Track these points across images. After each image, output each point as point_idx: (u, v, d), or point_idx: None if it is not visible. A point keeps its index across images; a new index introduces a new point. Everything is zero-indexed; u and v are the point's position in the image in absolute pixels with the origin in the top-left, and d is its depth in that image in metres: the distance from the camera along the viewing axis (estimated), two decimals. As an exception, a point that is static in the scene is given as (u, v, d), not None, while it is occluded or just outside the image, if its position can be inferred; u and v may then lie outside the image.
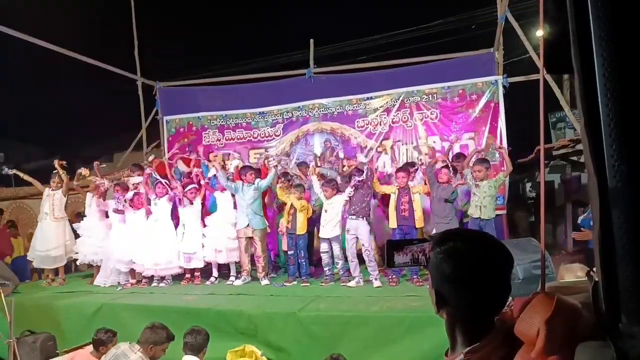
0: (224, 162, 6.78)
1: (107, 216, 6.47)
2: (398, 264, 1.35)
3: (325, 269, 5.79)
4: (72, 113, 15.03)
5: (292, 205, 5.93)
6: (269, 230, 6.21)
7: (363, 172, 5.58)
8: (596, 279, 0.91)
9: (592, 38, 0.85)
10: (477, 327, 1.13)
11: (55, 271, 6.57)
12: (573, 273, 2.51)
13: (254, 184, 5.96)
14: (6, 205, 9.08)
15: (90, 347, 4.04)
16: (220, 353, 4.14)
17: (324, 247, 5.76)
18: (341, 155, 6.83)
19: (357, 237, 5.57)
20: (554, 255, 8.33)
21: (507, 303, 1.26)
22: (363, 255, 5.51)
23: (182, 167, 7.03)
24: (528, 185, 13.89)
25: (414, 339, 4.04)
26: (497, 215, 6.06)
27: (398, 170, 5.73)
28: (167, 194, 6.22)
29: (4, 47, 7.86)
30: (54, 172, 6.52)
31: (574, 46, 0.92)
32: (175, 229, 6.23)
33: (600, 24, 0.83)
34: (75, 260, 6.57)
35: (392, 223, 5.59)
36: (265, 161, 6.60)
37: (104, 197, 6.46)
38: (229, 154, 7.95)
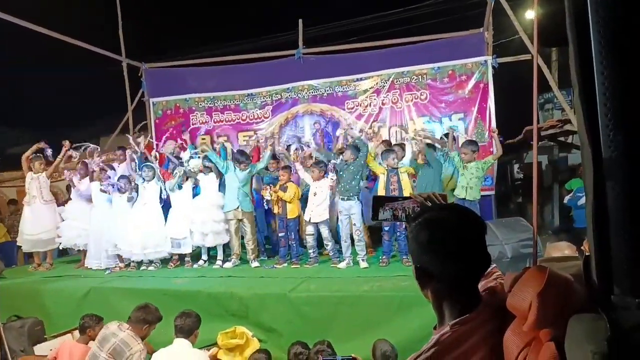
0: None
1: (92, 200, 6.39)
2: (381, 219, 1.43)
3: (309, 251, 5.80)
4: (56, 96, 14.71)
5: (281, 187, 5.90)
6: (254, 213, 6.18)
7: (358, 150, 5.58)
8: (587, 253, 0.91)
9: (587, 7, 0.83)
10: (463, 300, 1.14)
11: (44, 255, 6.50)
12: (560, 251, 2.53)
13: (247, 168, 5.93)
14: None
15: (77, 334, 4.02)
16: (211, 335, 4.15)
17: (309, 230, 5.74)
18: (338, 132, 6.82)
19: (350, 217, 5.57)
20: (541, 235, 8.44)
21: (494, 276, 1.27)
22: (353, 234, 5.52)
23: (170, 149, 6.93)
24: (516, 167, 14.00)
25: (404, 318, 4.09)
26: (485, 196, 6.11)
27: (385, 152, 5.70)
28: (154, 176, 6.15)
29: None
30: (36, 154, 6.40)
31: (569, 16, 0.90)
32: (166, 213, 6.19)
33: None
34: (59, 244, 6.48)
35: None
36: (257, 144, 6.57)
37: (91, 177, 6.37)
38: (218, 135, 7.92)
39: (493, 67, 7.05)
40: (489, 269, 1.27)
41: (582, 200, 7.46)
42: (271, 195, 5.91)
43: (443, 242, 1.12)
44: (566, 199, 8.33)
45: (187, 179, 6.19)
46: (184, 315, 3.62)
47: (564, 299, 0.89)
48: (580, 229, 7.30)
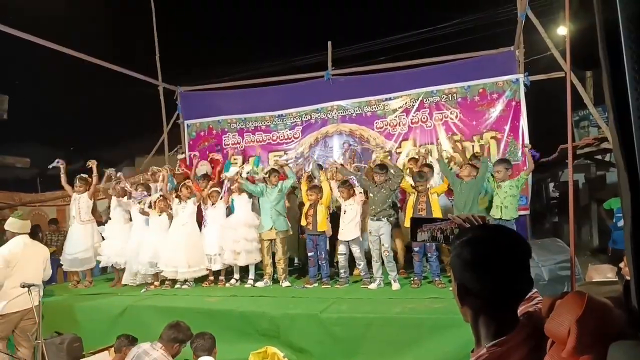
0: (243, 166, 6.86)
1: (131, 219, 6.57)
2: (419, 240, 1.46)
3: (341, 271, 5.78)
4: (95, 118, 15.37)
5: (310, 206, 5.92)
6: (290, 232, 6.22)
7: (386, 168, 5.56)
8: (627, 278, 0.89)
9: (620, 31, 0.83)
10: (500, 321, 1.14)
11: (83, 273, 6.68)
12: (602, 274, 2.45)
13: (277, 185, 6.01)
14: (28, 211, 9.20)
15: (113, 352, 4.10)
16: (243, 354, 4.18)
17: (341, 249, 5.73)
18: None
19: (379, 238, 5.53)
20: (578, 256, 8.13)
21: (535, 301, 1.25)
22: (382, 255, 5.48)
23: (204, 169, 7.11)
24: (551, 185, 13.64)
25: (436, 340, 4.01)
26: (520, 215, 5.96)
27: (416, 176, 5.63)
28: (192, 196, 6.30)
29: (28, 54, 8.10)
30: (77, 175, 6.63)
31: (601, 40, 0.90)
32: (200, 230, 6.32)
33: (629, 15, 0.81)
34: (99, 262, 6.66)
35: (406, 222, 5.58)
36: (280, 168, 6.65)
37: (128, 196, 6.56)
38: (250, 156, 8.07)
39: (525, 85, 6.96)
40: (530, 293, 1.26)
41: (622, 222, 7.15)
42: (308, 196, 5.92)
43: (486, 260, 1.14)
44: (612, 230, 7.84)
45: (220, 198, 6.32)
46: (200, 336, 3.69)
47: (603, 325, 0.88)
48: (620, 250, 7.01)
